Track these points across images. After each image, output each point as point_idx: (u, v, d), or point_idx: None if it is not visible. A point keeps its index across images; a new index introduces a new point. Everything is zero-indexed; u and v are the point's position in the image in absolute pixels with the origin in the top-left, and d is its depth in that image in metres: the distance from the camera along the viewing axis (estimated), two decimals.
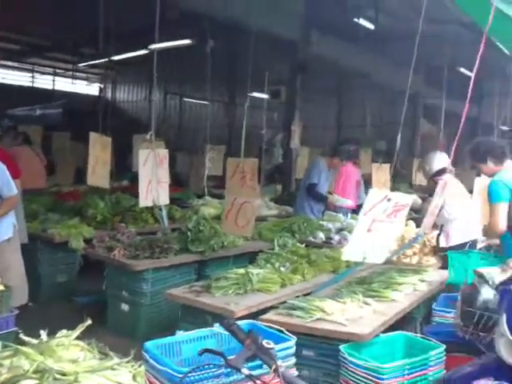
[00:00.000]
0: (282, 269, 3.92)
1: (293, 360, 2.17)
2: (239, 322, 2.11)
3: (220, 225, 4.72)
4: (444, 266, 4.84)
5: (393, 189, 7.02)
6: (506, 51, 6.57)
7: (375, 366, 2.62)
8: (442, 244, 5.08)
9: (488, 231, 4.08)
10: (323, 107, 14.29)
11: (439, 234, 5.17)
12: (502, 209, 3.77)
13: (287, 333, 2.23)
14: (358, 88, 12.47)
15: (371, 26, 9.30)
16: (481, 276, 2.32)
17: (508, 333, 1.95)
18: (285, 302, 3.28)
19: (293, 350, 2.17)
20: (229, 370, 1.70)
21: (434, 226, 5.26)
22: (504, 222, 3.77)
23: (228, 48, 7.97)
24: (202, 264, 4.74)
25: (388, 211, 3.15)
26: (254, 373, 1.63)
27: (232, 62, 10.67)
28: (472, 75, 3.93)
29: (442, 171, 5.24)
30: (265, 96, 8.65)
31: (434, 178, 5.30)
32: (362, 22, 9.24)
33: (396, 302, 3.42)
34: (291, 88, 8.52)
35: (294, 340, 2.18)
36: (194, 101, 15.16)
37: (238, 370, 1.49)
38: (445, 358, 2.87)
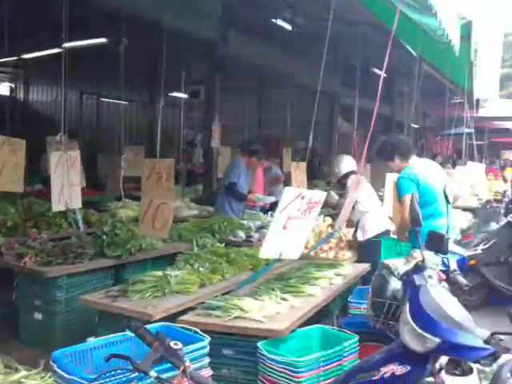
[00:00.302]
0: (201, 269, 3.90)
1: (207, 360, 2.16)
2: (152, 325, 2.08)
3: (137, 227, 4.63)
4: (359, 260, 5.04)
5: (311, 186, 7.23)
6: (414, 52, 6.95)
7: (291, 360, 2.67)
8: (360, 238, 5.29)
9: (401, 225, 4.22)
10: (244, 107, 14.40)
11: (356, 229, 5.37)
12: (416, 199, 3.95)
13: (201, 333, 2.22)
14: (279, 88, 12.67)
15: (288, 27, 9.49)
16: (387, 267, 2.42)
17: (411, 320, 2.05)
18: (204, 303, 3.27)
19: (206, 350, 2.17)
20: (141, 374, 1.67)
21: (350, 223, 5.48)
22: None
23: (145, 47, 7.81)
24: (119, 268, 4.61)
25: (302, 208, 3.22)
26: (165, 375, 1.60)
27: (150, 61, 10.51)
28: (382, 74, 4.13)
29: (349, 174, 5.49)
30: (184, 95, 8.58)
31: (341, 180, 5.54)
32: (280, 22, 9.42)
33: (313, 297, 3.51)
34: (210, 87, 8.50)
35: (207, 340, 2.17)
36: (112, 101, 14.74)
37: (146, 374, 1.47)
38: (358, 347, 2.99)
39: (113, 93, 13.66)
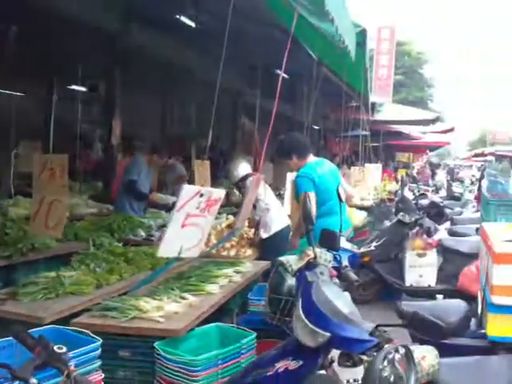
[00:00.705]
0: (98, 269, 3.76)
1: (98, 363, 2.09)
2: (39, 329, 1.97)
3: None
4: (261, 257, 5.12)
5: (216, 184, 7.24)
6: (313, 55, 7.17)
7: (188, 359, 2.64)
8: (263, 235, 5.37)
9: (299, 224, 4.32)
10: (147, 103, 14.07)
11: (257, 227, 5.44)
12: (311, 197, 4.01)
13: (92, 335, 2.14)
14: (184, 85, 12.52)
15: (192, 24, 9.40)
16: (282, 264, 2.47)
17: (303, 316, 2.11)
18: (100, 304, 3.16)
19: (97, 353, 2.09)
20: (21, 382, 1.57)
21: (252, 221, 5.55)
22: (315, 209, 4.08)
23: (39, 35, 7.37)
24: (10, 270, 4.33)
25: (201, 206, 3.21)
26: (49, 382, 1.52)
27: (46, 52, 9.97)
28: (281, 74, 4.22)
29: (246, 177, 5.58)
30: (82, 89, 8.22)
31: (238, 183, 5.61)
32: (183, 19, 9.30)
33: (212, 295, 3.51)
34: (110, 82, 8.22)
35: (98, 342, 2.10)
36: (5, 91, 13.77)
37: (26, 381, 1.38)
38: (256, 344, 3.03)
39: (6, 85, 12.78)
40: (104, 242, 4.62)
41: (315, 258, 2.36)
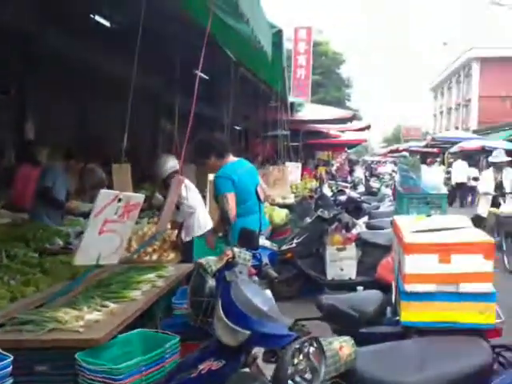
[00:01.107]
0: (12, 282, 3.59)
1: (10, 380, 1.99)
2: None
3: None
4: (185, 260, 5.08)
5: (138, 188, 7.09)
6: (232, 56, 7.22)
7: (110, 368, 2.58)
8: (186, 238, 5.33)
9: (218, 225, 4.34)
10: (63, 107, 13.54)
11: (180, 230, 5.39)
12: (231, 198, 4.02)
13: (2, 352, 2.04)
14: (102, 87, 12.14)
15: (107, 23, 9.16)
16: (201, 265, 2.47)
17: (223, 316, 2.13)
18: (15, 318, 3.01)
19: (8, 370, 1.99)
20: None
21: (175, 224, 5.49)
22: (234, 210, 4.09)
23: None
24: None
25: (120, 211, 3.14)
26: None
27: None
28: (198, 74, 4.21)
29: (173, 174, 5.51)
30: None
31: (166, 180, 5.51)
32: (98, 18, 9.05)
33: (134, 301, 3.44)
34: (23, 85, 7.85)
35: (9, 359, 2.00)
36: None
37: None
38: (180, 348, 3.01)
39: None
40: (18, 252, 4.39)
41: (234, 257, 2.38)
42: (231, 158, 4.42)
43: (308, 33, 19.49)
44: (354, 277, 6.19)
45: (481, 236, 3.04)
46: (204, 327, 2.74)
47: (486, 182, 9.52)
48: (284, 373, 1.54)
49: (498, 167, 9.41)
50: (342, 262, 6.17)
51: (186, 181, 5.78)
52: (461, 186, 18.66)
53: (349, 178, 17.25)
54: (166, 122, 13.32)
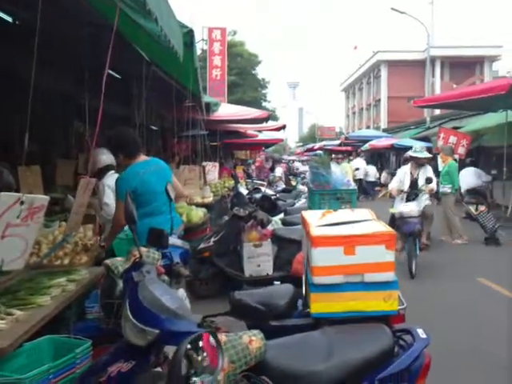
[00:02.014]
0: None
1: None
2: None
3: None
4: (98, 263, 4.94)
5: (49, 191, 6.81)
6: (144, 55, 7.11)
7: (14, 379, 2.48)
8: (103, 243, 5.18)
9: (114, 227, 4.23)
10: None
11: (101, 232, 5.25)
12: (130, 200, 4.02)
13: None
14: (7, 89, 11.51)
15: (9, 19, 8.71)
16: (107, 267, 2.43)
17: (131, 316, 2.11)
18: None
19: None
20: None
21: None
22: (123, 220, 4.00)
23: None
24: None
25: (23, 214, 3.01)
26: None
27: None
28: (106, 71, 4.10)
29: (107, 168, 5.33)
30: None
31: (99, 174, 5.32)
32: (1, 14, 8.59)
33: (43, 307, 3.31)
34: None
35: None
36: None
37: None
38: (93, 352, 2.94)
39: None
40: None
41: (141, 257, 2.36)
42: (141, 158, 4.31)
43: (222, 34, 19.56)
44: (271, 272, 6.30)
45: (382, 228, 3.21)
46: (117, 330, 2.70)
47: (399, 178, 8.94)
48: (177, 370, 1.55)
49: (419, 164, 8.83)
50: (258, 259, 6.26)
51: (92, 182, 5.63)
52: (360, 181, 19.66)
53: (271, 177, 17.50)
54: (78, 123, 12.87)
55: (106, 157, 5.39)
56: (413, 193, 8.42)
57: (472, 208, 10.51)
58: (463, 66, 44.57)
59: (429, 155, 8.90)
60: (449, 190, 10.55)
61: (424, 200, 8.67)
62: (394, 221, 7.93)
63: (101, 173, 5.35)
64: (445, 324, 5.53)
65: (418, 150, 8.95)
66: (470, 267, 8.28)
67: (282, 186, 15.64)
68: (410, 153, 9.10)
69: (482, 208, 10.47)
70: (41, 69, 4.17)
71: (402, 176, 8.81)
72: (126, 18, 4.61)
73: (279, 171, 17.91)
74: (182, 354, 1.55)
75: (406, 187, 8.61)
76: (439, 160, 15.88)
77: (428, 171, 8.73)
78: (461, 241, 10.41)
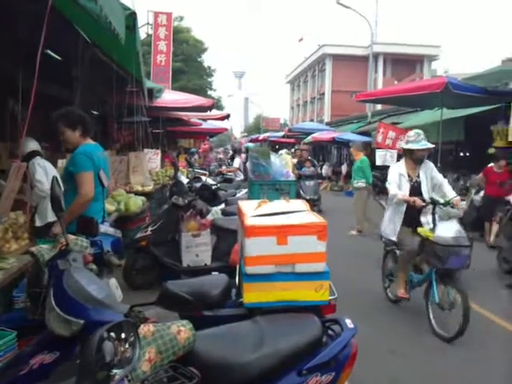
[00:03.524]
0: None
1: None
2: None
3: None
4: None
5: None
6: (84, 36, 6.88)
7: None
8: (37, 223, 5.03)
9: (82, 201, 4.03)
10: None
11: (33, 214, 5.09)
12: (90, 178, 3.96)
13: None
14: None
15: None
16: (33, 255, 2.35)
17: (55, 306, 2.04)
18: None
19: None
20: None
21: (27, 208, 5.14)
22: (92, 192, 3.96)
23: None
24: None
25: None
26: None
27: None
28: (39, 52, 3.95)
29: (33, 154, 5.21)
30: None
31: (25, 160, 5.18)
32: None
33: None
34: None
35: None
36: None
37: None
38: (18, 344, 2.84)
39: None
40: None
41: (67, 245, 2.29)
42: (90, 140, 4.26)
43: (168, 19, 19.18)
44: (209, 263, 6.28)
45: (314, 218, 3.27)
46: (44, 320, 2.62)
47: (395, 182, 5.90)
48: (88, 361, 1.52)
49: (416, 160, 5.91)
50: (197, 249, 6.23)
51: (47, 164, 5.49)
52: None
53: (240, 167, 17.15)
54: (13, 104, 12.32)
55: (32, 143, 5.35)
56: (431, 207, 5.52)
57: (383, 202, 11.03)
58: (405, 64, 45.96)
59: (430, 145, 5.91)
60: (363, 185, 11.00)
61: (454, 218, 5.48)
62: (423, 247, 5.49)
63: (28, 158, 5.24)
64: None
65: (412, 138, 5.82)
66: None
67: (241, 176, 15.61)
68: (402, 144, 6.07)
69: None
70: None
71: (397, 178, 5.90)
72: None
73: (237, 162, 17.70)
74: (96, 342, 1.51)
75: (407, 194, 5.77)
76: (377, 154, 16.34)
77: (431, 170, 6.01)
78: (355, 232, 11.00)
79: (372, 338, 4.83)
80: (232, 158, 18.28)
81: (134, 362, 1.63)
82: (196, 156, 21.08)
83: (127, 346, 1.64)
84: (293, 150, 22.36)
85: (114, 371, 1.58)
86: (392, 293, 6.16)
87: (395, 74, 44.26)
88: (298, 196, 12.20)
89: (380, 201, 11.13)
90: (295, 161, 14.95)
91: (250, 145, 18.91)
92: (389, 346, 4.89)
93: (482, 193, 10.50)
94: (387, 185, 6.02)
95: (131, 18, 5.80)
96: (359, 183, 10.95)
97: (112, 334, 1.59)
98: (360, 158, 11.20)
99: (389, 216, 6.06)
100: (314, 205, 13.28)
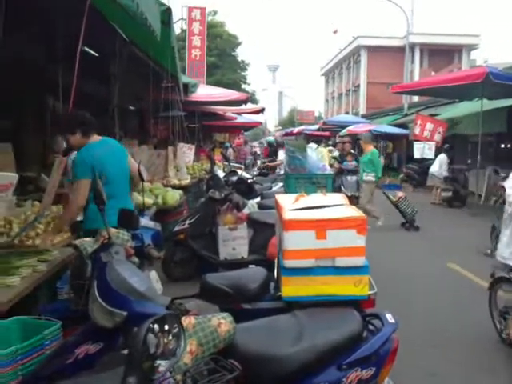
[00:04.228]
0: None
1: None
2: None
3: None
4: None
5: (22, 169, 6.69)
6: (121, 32, 6.97)
7: None
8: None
9: (73, 208, 4.09)
10: None
11: None
12: (85, 185, 3.85)
13: None
14: None
15: None
16: (75, 247, 2.40)
17: (98, 297, 2.09)
18: None
19: None
20: None
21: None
22: (84, 199, 3.88)
23: None
24: None
25: None
26: None
27: None
28: (80, 46, 4.02)
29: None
30: None
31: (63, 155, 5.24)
32: None
33: (12, 287, 3.27)
34: None
35: None
36: None
37: None
38: (62, 333, 2.91)
39: None
40: None
41: (110, 238, 2.33)
42: (95, 138, 4.20)
43: (202, 13, 19.29)
44: (246, 256, 6.31)
45: (353, 212, 3.23)
46: (87, 311, 2.68)
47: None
48: (136, 352, 1.54)
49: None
50: (234, 242, 6.26)
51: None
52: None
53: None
54: (53, 100, 12.60)
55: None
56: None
57: (391, 195, 10.73)
58: (442, 54, 44.88)
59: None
60: (373, 179, 10.60)
61: None
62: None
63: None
64: None
65: None
66: None
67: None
68: None
69: (401, 194, 10.79)
70: (9, 32, 4.04)
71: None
72: None
73: (281, 155, 17.52)
74: (142, 335, 1.53)
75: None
76: (415, 146, 15.98)
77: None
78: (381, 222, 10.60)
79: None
80: (275, 152, 18.17)
81: (178, 353, 1.65)
82: (230, 150, 21.15)
83: (170, 337, 1.66)
84: (330, 143, 22.07)
85: (158, 362, 1.60)
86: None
87: (432, 64, 43.25)
88: (339, 191, 11.88)
89: (388, 194, 10.88)
90: (336, 154, 14.50)
91: (270, 138, 18.55)
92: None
93: None
94: (508, 191, 4.98)
95: (166, 13, 5.85)
96: (368, 176, 10.61)
97: (156, 326, 1.60)
98: (370, 150, 10.86)
99: (509, 235, 5.12)
100: (356, 202, 12.27)
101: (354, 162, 12.94)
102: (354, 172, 12.67)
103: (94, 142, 4.12)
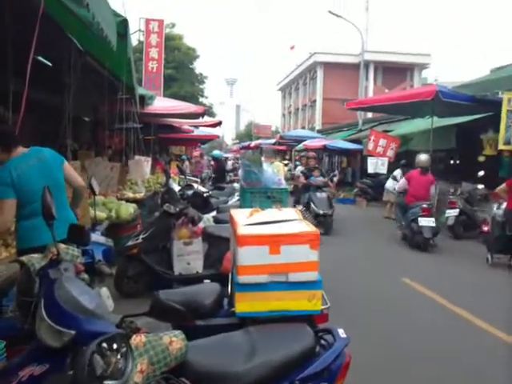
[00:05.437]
0: None
1: None
2: None
3: None
4: None
5: None
6: (77, 43, 6.86)
7: None
8: None
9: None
10: None
11: None
12: (9, 205, 3.63)
13: None
14: None
15: None
16: (23, 264, 2.32)
17: (45, 316, 2.01)
18: None
19: None
20: None
21: None
22: (10, 219, 3.68)
23: None
24: None
25: None
26: None
27: None
28: (31, 57, 3.92)
29: None
30: None
31: None
32: None
33: None
34: None
35: None
36: None
37: None
38: (6, 353, 2.80)
39: None
40: None
41: (58, 254, 2.26)
42: (19, 150, 3.88)
43: (160, 26, 19.23)
44: (201, 270, 6.24)
45: (307, 227, 3.26)
46: (34, 330, 2.58)
47: None
48: (81, 375, 1.49)
49: None
50: (189, 256, 6.19)
51: None
52: None
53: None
54: (3, 109, 12.25)
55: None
56: None
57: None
58: (395, 72, 46.23)
59: None
60: None
61: None
62: None
63: None
64: None
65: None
66: None
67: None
68: None
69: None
70: None
71: None
72: (56, 2, 4.45)
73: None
74: (88, 356, 1.49)
75: None
76: (369, 161, 16.35)
77: None
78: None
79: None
80: (223, 167, 18.17)
81: (127, 373, 1.60)
82: (187, 162, 21.02)
83: (119, 357, 1.61)
84: (287, 157, 22.29)
85: (106, 382, 1.56)
86: None
87: (386, 82, 44.50)
88: (308, 208, 11.74)
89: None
90: (301, 168, 14.42)
91: (216, 153, 18.47)
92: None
93: (503, 206, 9.10)
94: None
95: (122, 24, 5.80)
96: None
97: (104, 345, 1.56)
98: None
99: None
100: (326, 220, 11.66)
101: (320, 178, 12.59)
102: (323, 188, 12.25)
103: (15, 157, 3.80)
